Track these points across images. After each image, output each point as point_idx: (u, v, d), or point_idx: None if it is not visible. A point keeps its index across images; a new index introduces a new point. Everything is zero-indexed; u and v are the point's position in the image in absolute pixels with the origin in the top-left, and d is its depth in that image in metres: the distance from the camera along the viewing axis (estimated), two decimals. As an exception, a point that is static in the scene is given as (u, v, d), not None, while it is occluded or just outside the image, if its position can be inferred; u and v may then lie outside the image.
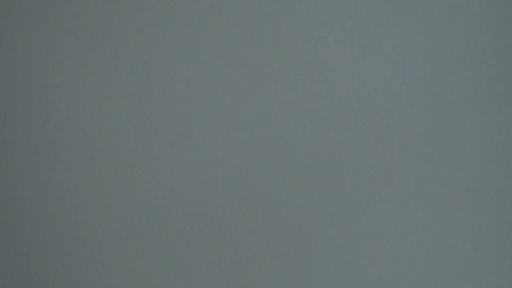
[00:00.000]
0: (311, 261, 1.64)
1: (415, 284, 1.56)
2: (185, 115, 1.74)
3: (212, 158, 1.72)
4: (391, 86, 1.58)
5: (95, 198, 1.83)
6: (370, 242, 1.59)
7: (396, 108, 1.58)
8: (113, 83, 1.81)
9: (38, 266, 1.89)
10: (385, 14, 1.58)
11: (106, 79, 1.82)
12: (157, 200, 1.77)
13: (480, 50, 1.53)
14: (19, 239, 1.91)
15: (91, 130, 1.83)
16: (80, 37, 1.85)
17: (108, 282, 1.81)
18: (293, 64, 1.65)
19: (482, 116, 1.53)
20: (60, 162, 1.86)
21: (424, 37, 1.56)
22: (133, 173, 1.79)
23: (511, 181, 1.51)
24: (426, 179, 1.56)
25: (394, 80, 1.58)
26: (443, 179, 1.55)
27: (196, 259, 1.73)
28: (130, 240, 1.79)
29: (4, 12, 1.93)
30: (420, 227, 1.56)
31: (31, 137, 1.90)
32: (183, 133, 1.75)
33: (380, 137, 1.59)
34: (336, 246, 1.62)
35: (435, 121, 1.55)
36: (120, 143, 1.81)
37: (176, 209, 1.75)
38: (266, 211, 1.67)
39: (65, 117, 1.86)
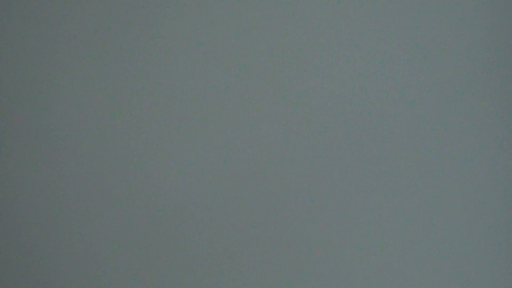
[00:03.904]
0: (311, 262, 1.64)
1: (415, 284, 1.58)
2: (185, 116, 1.74)
3: (211, 158, 1.72)
4: (391, 87, 1.59)
5: (95, 199, 1.82)
6: (370, 242, 1.60)
7: (396, 109, 1.59)
8: (113, 84, 1.80)
9: (38, 266, 1.87)
10: (386, 15, 1.59)
11: (106, 80, 1.81)
12: (156, 201, 1.76)
13: (480, 50, 1.53)
14: (19, 240, 1.89)
15: (91, 130, 1.82)
16: (80, 37, 1.83)
17: (108, 282, 1.81)
18: (292, 65, 1.65)
19: (482, 117, 1.53)
20: (59, 162, 1.85)
21: (425, 38, 1.56)
22: (132, 173, 1.78)
23: (511, 181, 1.53)
24: (426, 179, 1.57)
25: (393, 81, 1.59)
26: (443, 179, 1.56)
27: (195, 260, 1.73)
28: (130, 240, 1.78)
29: (4, 12, 1.92)
30: (420, 227, 1.57)
31: (31, 137, 1.88)
32: (183, 134, 1.74)
33: (380, 138, 1.59)
34: (336, 246, 1.62)
35: (435, 122, 1.56)
36: (120, 144, 1.80)
37: (175, 209, 1.74)
38: (265, 212, 1.67)
39: (65, 118, 1.84)
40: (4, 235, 1.90)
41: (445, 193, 1.55)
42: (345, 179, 1.61)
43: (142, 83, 1.77)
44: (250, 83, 1.68)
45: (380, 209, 1.59)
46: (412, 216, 1.57)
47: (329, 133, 1.63)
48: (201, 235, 1.72)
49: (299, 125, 1.65)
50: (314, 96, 1.63)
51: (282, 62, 1.66)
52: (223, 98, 1.70)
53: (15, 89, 1.90)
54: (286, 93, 1.66)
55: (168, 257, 1.75)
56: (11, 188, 1.90)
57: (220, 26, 1.71)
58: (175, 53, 1.74)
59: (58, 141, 1.85)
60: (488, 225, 1.53)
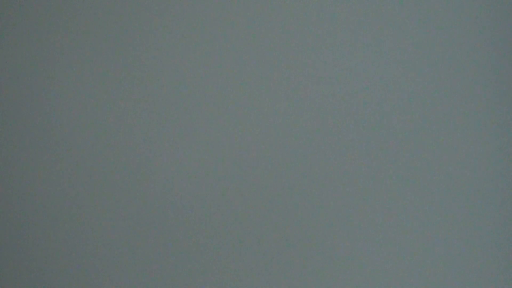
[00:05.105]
0: (311, 262, 1.63)
1: (415, 284, 1.56)
2: (185, 116, 1.74)
3: (212, 159, 1.72)
4: (391, 87, 1.58)
5: (95, 199, 1.83)
6: (370, 243, 1.59)
7: (396, 109, 1.58)
8: (113, 84, 1.81)
9: (38, 266, 1.89)
10: (386, 15, 1.58)
11: (106, 80, 1.82)
12: (156, 201, 1.77)
13: (480, 50, 1.52)
14: (19, 240, 1.91)
15: (91, 131, 1.83)
16: (80, 37, 1.85)
17: (108, 283, 1.81)
18: (292, 65, 1.65)
19: (482, 117, 1.52)
20: (59, 162, 1.86)
21: (424, 38, 1.56)
22: (133, 173, 1.79)
23: (511, 181, 1.51)
24: (426, 179, 1.55)
25: (393, 81, 1.58)
26: (443, 180, 1.54)
27: (196, 260, 1.73)
28: (130, 241, 1.79)
29: (4, 12, 1.93)
30: (420, 228, 1.56)
31: (31, 137, 1.89)
32: (184, 134, 1.74)
33: (380, 138, 1.59)
34: (336, 247, 1.61)
35: (434, 122, 1.55)
36: (120, 144, 1.80)
37: (176, 210, 1.75)
38: (266, 213, 1.67)
39: (65, 118, 1.86)
40: (4, 235, 1.92)
41: (447, 194, 1.55)
42: (347, 180, 1.61)
43: (142, 83, 1.78)
44: (250, 83, 1.69)
45: (381, 210, 1.58)
46: (413, 216, 1.56)
47: (330, 133, 1.62)
48: (202, 235, 1.73)
49: (300, 125, 1.65)
50: (314, 96, 1.63)
51: (283, 62, 1.66)
52: (224, 98, 1.71)
53: (15, 89, 1.91)
54: (287, 93, 1.66)
55: (168, 258, 1.76)
56: (11, 188, 1.91)
57: (220, 26, 1.72)
58: (176, 54, 1.75)
59: (58, 141, 1.86)
60: (489, 226, 1.52)
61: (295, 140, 1.65)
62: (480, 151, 1.52)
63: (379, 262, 1.58)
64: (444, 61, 1.55)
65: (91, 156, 1.83)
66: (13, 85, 1.92)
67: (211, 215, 1.72)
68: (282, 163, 1.66)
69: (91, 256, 1.83)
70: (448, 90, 1.55)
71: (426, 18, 1.56)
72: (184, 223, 1.74)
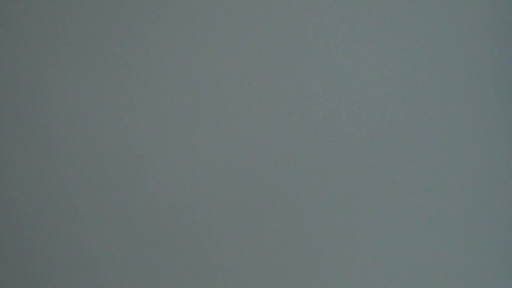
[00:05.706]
0: (311, 262, 1.64)
1: (415, 284, 1.57)
2: (186, 117, 1.74)
3: (212, 159, 1.72)
4: (391, 87, 1.58)
5: (94, 201, 1.82)
6: (370, 243, 1.59)
7: (396, 110, 1.58)
8: (113, 84, 1.81)
9: (38, 267, 1.88)
10: (387, 15, 1.58)
11: (106, 80, 1.81)
12: (157, 201, 1.76)
13: (480, 50, 1.52)
14: (19, 241, 1.90)
15: (91, 131, 1.83)
16: (80, 37, 1.84)
17: (108, 283, 1.81)
18: (293, 66, 1.65)
19: (483, 118, 1.52)
20: (59, 163, 1.86)
21: (425, 39, 1.56)
22: (132, 173, 1.79)
23: (511, 181, 1.51)
24: (426, 180, 1.56)
25: (393, 82, 1.58)
26: (443, 181, 1.55)
27: (196, 260, 1.73)
28: (130, 241, 1.79)
29: (4, 12, 1.93)
30: (420, 228, 1.56)
31: (31, 138, 1.89)
32: (184, 134, 1.74)
33: (380, 138, 1.59)
34: (336, 247, 1.62)
35: (434, 123, 1.55)
36: (120, 144, 1.80)
37: (176, 210, 1.75)
38: (266, 213, 1.67)
39: (65, 118, 1.85)
40: (4, 235, 1.92)
41: (448, 196, 1.55)
42: (348, 183, 1.61)
43: (142, 83, 1.78)
44: (251, 84, 1.69)
45: (381, 212, 1.59)
46: (413, 217, 1.56)
47: (330, 136, 1.62)
48: (202, 237, 1.73)
49: (299, 127, 1.65)
50: (315, 97, 1.63)
51: (284, 63, 1.66)
52: (224, 100, 1.71)
53: (14, 89, 1.91)
54: (288, 95, 1.66)
55: (168, 259, 1.75)
56: (11, 188, 1.91)
57: (222, 27, 1.72)
58: (175, 54, 1.75)
59: (58, 142, 1.86)
60: (489, 226, 1.52)
61: (295, 142, 1.65)
62: (481, 154, 1.53)
63: (380, 265, 1.58)
64: (446, 64, 1.55)
65: (90, 157, 1.83)
66: (13, 85, 1.92)
67: (211, 217, 1.72)
68: (282, 165, 1.66)
69: (90, 257, 1.82)
70: (449, 92, 1.55)
71: (428, 19, 1.56)
72: (184, 225, 1.74)
